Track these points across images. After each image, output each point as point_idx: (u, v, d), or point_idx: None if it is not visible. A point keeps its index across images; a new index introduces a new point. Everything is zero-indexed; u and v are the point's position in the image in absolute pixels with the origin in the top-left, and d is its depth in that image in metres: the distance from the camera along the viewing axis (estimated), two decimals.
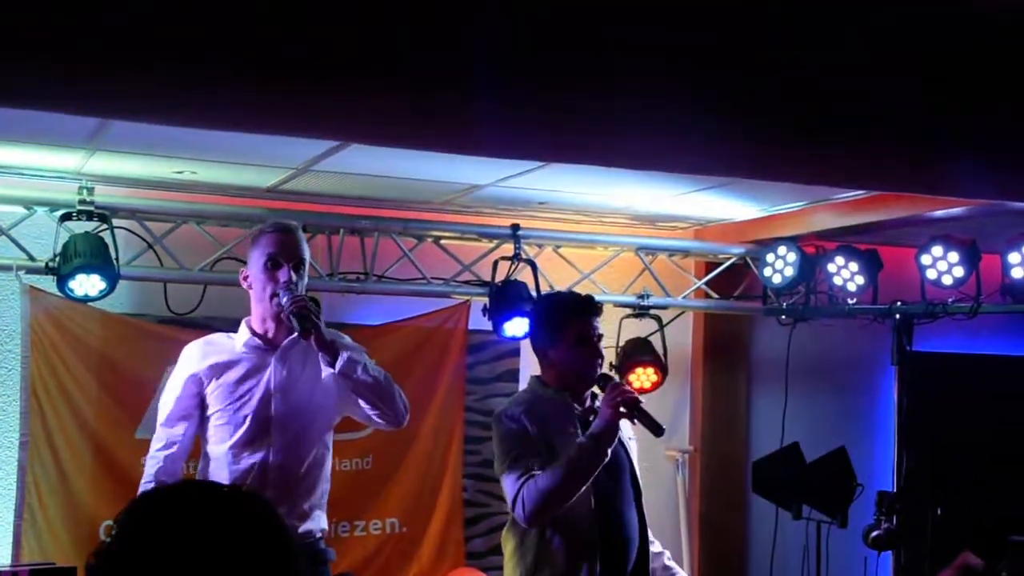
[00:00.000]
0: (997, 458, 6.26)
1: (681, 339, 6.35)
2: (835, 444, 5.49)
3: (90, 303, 4.85)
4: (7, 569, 4.36)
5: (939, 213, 5.10)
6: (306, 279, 3.80)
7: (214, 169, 4.91)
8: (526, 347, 6.00)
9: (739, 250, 6.08)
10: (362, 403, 3.75)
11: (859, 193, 5.27)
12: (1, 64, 2.89)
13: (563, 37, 2.64)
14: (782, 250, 5.80)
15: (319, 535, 3.79)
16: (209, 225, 5.17)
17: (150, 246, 5.09)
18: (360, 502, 5.43)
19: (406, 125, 3.07)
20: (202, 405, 3.76)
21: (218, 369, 3.76)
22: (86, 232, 4.76)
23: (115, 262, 4.77)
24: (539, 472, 3.61)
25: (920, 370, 5.70)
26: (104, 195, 4.90)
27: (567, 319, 3.84)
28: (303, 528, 3.72)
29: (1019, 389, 6.33)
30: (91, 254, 4.65)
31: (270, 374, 3.76)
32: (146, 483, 3.67)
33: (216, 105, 2.87)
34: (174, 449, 3.71)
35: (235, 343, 3.82)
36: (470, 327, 5.75)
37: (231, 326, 5.28)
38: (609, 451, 3.63)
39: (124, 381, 5.07)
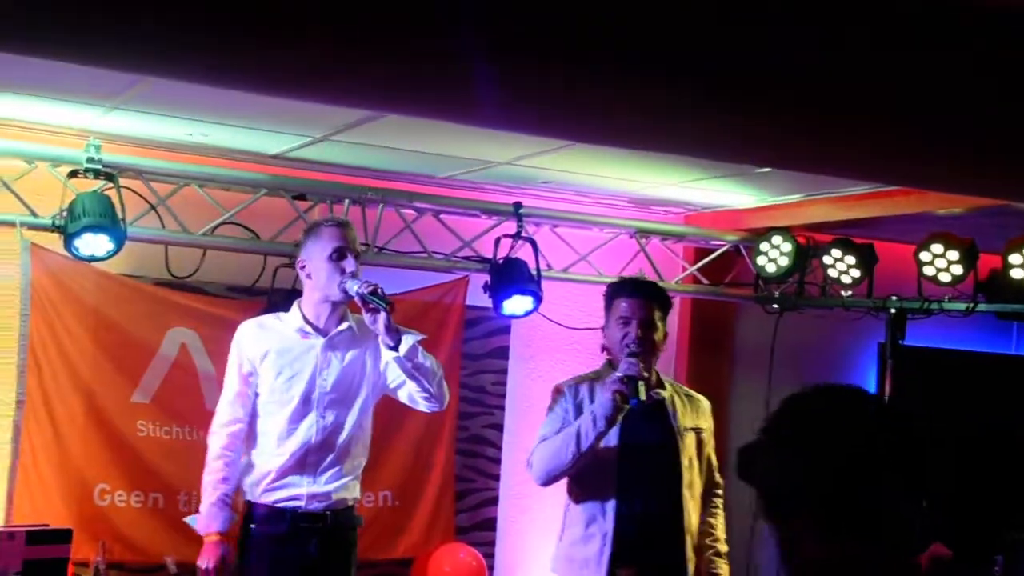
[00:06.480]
0: (982, 454, 6.37)
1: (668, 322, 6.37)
2: None
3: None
4: (3, 530, 4.28)
5: (941, 212, 5.17)
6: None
7: (226, 132, 4.82)
8: (517, 325, 6.03)
9: (733, 237, 6.12)
10: (413, 386, 4.04)
11: (859, 188, 5.32)
12: (31, 12, 2.78)
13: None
14: (777, 239, 5.85)
15: (351, 503, 4.14)
16: (212, 188, 5.09)
17: (152, 207, 4.99)
18: None
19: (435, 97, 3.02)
20: (254, 385, 4.10)
21: (270, 352, 4.08)
22: (94, 191, 4.66)
23: (122, 222, 4.68)
24: (549, 438, 4.13)
25: (908, 365, 5.78)
26: (111, 154, 4.80)
27: (610, 299, 4.33)
28: (338, 496, 4.06)
29: (1006, 386, 6.45)
30: (100, 213, 4.55)
31: (318, 358, 4.07)
32: (214, 459, 4.03)
33: (237, 66, 2.80)
34: (237, 427, 4.06)
35: (287, 327, 4.11)
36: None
37: (227, 292, 5.28)
38: (605, 426, 4.03)
39: (121, 343, 4.99)
